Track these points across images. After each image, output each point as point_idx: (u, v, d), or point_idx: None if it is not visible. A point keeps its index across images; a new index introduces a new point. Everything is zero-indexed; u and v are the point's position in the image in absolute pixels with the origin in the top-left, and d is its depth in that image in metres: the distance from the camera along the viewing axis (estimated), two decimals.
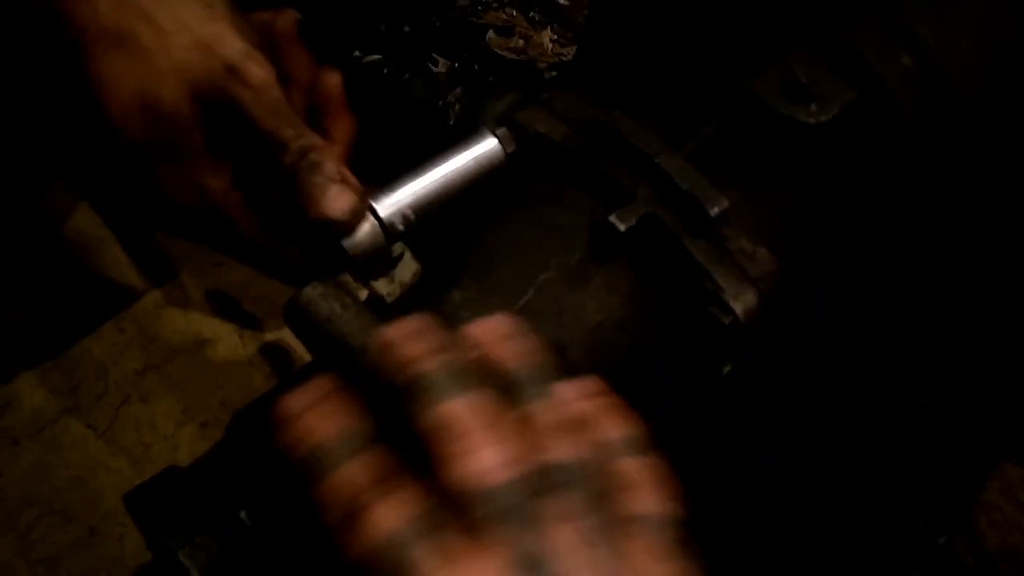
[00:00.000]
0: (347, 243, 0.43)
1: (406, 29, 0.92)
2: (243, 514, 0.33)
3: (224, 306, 0.63)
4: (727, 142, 0.45)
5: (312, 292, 0.40)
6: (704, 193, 0.41)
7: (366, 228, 0.43)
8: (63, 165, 0.64)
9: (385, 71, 0.89)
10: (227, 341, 0.62)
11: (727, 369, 0.42)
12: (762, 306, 0.40)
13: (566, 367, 0.40)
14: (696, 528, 0.49)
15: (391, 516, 0.28)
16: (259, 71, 0.42)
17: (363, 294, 0.48)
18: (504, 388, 0.31)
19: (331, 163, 0.42)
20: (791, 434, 0.51)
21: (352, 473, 0.29)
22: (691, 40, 0.53)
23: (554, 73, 0.88)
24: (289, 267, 0.50)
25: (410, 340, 0.31)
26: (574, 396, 0.32)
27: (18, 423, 0.58)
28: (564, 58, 0.90)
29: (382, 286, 0.51)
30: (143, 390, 0.59)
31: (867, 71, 0.46)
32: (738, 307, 0.40)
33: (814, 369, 0.51)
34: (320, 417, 0.30)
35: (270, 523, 0.34)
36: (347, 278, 0.47)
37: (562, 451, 0.29)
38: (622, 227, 0.40)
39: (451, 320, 0.41)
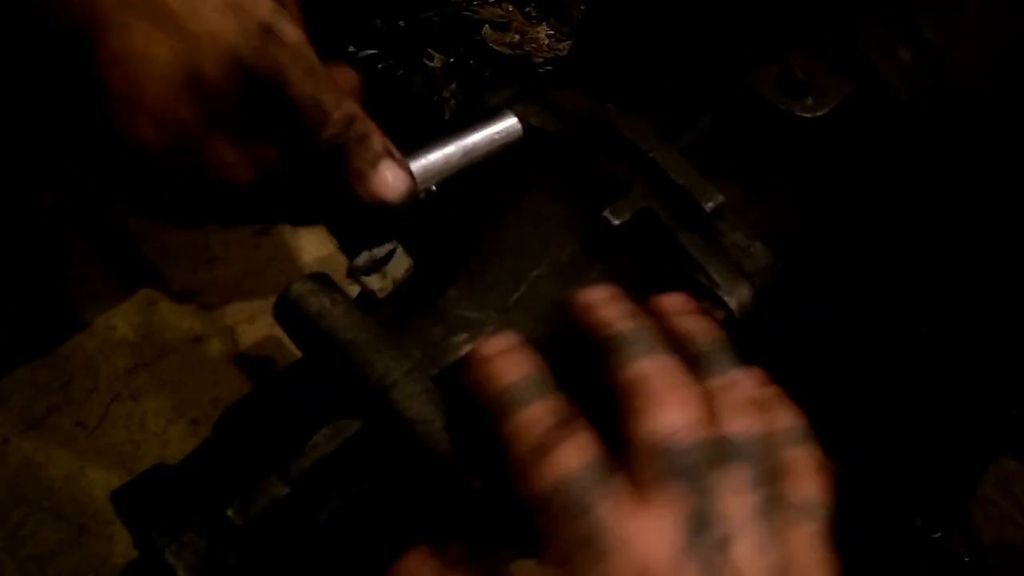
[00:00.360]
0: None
1: (402, 24, 0.92)
2: (231, 512, 0.32)
3: (216, 300, 0.63)
4: (724, 137, 0.44)
5: (302, 288, 0.39)
6: (699, 188, 0.40)
7: None
8: (60, 166, 0.62)
9: (381, 66, 0.88)
10: (218, 338, 0.61)
11: None
12: (757, 301, 0.40)
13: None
14: None
15: (576, 456, 0.30)
16: (293, 30, 0.38)
17: (354, 290, 0.48)
18: (690, 359, 0.33)
19: (378, 136, 0.40)
20: None
21: (541, 412, 0.31)
22: (689, 37, 0.52)
23: (550, 68, 0.88)
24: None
25: (609, 303, 0.34)
26: (749, 380, 0.34)
27: (8, 420, 0.57)
28: (560, 53, 0.90)
29: (374, 281, 0.51)
30: (134, 387, 0.59)
31: (865, 66, 0.45)
32: (732, 302, 0.39)
33: (813, 368, 0.51)
34: (511, 362, 0.33)
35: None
36: (342, 275, 0.46)
37: (740, 427, 0.32)
38: (616, 221, 0.40)
39: (446, 316, 0.40)
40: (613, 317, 0.33)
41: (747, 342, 0.41)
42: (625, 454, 0.30)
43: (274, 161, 0.41)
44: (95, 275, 0.63)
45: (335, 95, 0.39)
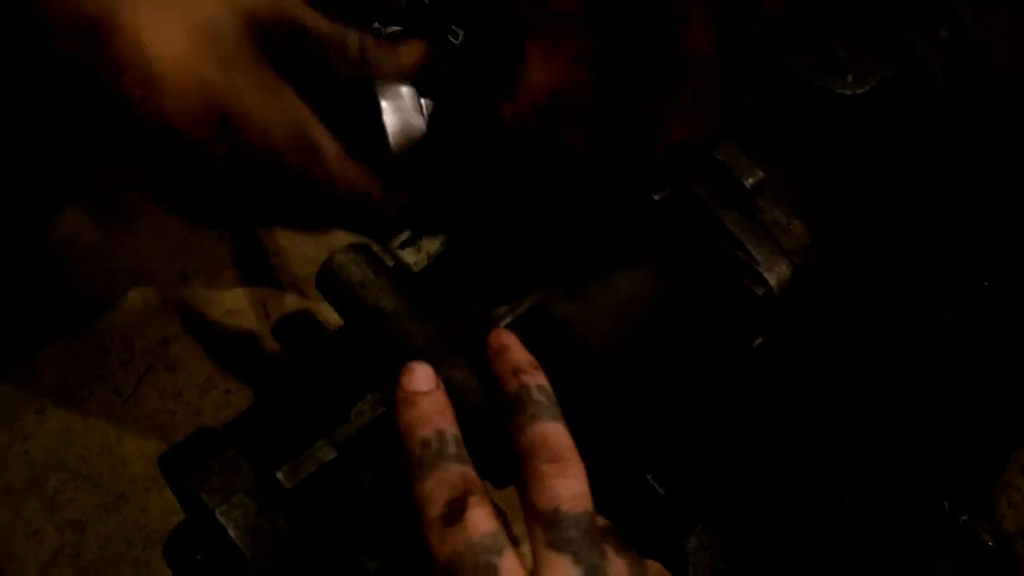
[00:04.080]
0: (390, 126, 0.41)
1: (426, 1, 0.91)
2: (280, 475, 0.33)
3: (248, 273, 0.64)
4: (764, 115, 0.44)
5: (344, 257, 0.40)
6: (738, 164, 0.40)
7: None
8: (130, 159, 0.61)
9: None
10: (250, 312, 0.62)
11: (758, 342, 0.42)
12: (796, 279, 0.40)
13: (598, 339, 0.40)
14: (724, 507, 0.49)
15: (488, 521, 0.31)
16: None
17: (389, 264, 0.48)
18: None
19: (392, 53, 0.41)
20: (819, 415, 0.51)
21: (461, 472, 0.32)
22: None
23: None
24: (367, 213, 0.46)
25: (517, 350, 0.36)
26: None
27: (44, 391, 0.58)
28: None
29: (409, 255, 0.51)
30: (167, 359, 0.60)
31: (904, 46, 0.45)
32: (772, 279, 0.39)
33: (846, 351, 0.51)
34: (436, 408, 0.34)
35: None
36: (377, 247, 0.47)
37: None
38: (656, 197, 0.40)
39: (484, 289, 0.41)
40: (520, 366, 0.35)
41: (785, 321, 0.41)
42: (526, 516, 0.32)
43: (311, 116, 0.42)
44: (127, 248, 0.64)
45: (347, 30, 0.41)
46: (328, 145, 0.43)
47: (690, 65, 0.39)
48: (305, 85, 0.42)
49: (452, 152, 0.43)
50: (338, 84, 0.42)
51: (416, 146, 0.43)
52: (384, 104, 0.44)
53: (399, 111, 0.44)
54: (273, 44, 0.40)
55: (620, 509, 0.37)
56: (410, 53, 0.43)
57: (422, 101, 0.46)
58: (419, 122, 0.43)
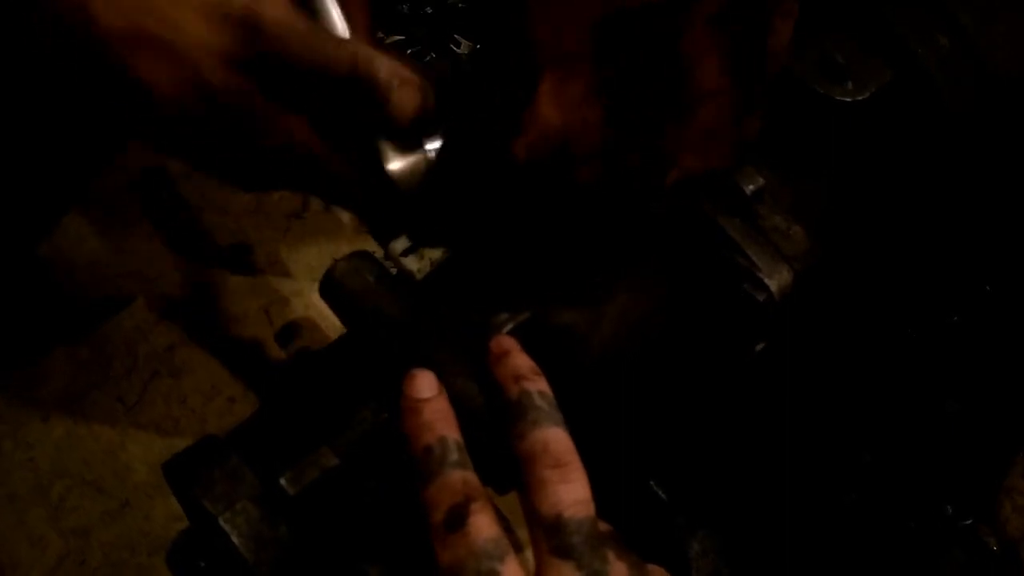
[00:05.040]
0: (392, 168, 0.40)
1: (428, 10, 0.92)
2: (284, 481, 0.33)
3: (251, 280, 0.64)
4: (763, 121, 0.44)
5: (347, 266, 0.40)
6: (740, 171, 0.41)
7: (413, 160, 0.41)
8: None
9: (408, 52, 0.89)
10: (254, 318, 0.62)
11: (760, 347, 0.42)
12: (796, 284, 0.40)
13: (599, 345, 0.41)
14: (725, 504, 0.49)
15: (491, 527, 0.31)
16: (272, 8, 0.38)
17: (392, 272, 0.48)
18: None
19: (386, 63, 0.39)
20: (821, 418, 0.51)
21: (463, 478, 0.32)
22: None
23: None
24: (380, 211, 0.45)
25: (517, 355, 0.36)
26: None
27: (49, 397, 0.58)
28: None
29: (411, 262, 0.51)
30: (172, 366, 0.60)
31: (904, 51, 0.45)
32: (773, 284, 0.40)
33: (848, 354, 0.51)
34: (439, 415, 0.34)
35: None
36: (380, 255, 0.47)
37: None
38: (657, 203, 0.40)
39: (486, 296, 0.41)
40: (522, 372, 0.35)
41: (786, 326, 0.41)
42: (528, 522, 0.33)
43: (309, 133, 0.40)
44: (132, 255, 0.64)
45: (334, 42, 0.39)
46: (335, 161, 0.42)
47: (702, 99, 0.39)
48: (299, 102, 0.42)
49: (462, 182, 0.43)
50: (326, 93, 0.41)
51: (421, 179, 0.43)
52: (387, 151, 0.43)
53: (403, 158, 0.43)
54: (255, 71, 0.39)
55: (623, 514, 0.37)
56: (406, 102, 0.41)
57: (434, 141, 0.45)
58: (422, 157, 0.42)
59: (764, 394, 0.47)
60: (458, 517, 0.31)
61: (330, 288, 0.39)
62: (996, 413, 0.57)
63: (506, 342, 0.37)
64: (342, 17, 0.41)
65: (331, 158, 0.41)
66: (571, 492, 0.32)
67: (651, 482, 0.48)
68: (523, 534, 0.33)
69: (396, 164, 0.40)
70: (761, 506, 0.49)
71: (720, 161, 0.40)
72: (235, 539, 0.32)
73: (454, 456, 0.33)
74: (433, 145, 0.41)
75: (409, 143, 0.41)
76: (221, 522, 0.33)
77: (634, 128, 0.38)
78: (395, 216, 0.46)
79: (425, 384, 0.35)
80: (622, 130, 0.38)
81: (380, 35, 0.92)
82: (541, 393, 0.34)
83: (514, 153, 0.39)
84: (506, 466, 0.34)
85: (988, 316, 0.56)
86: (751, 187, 0.40)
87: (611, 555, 0.32)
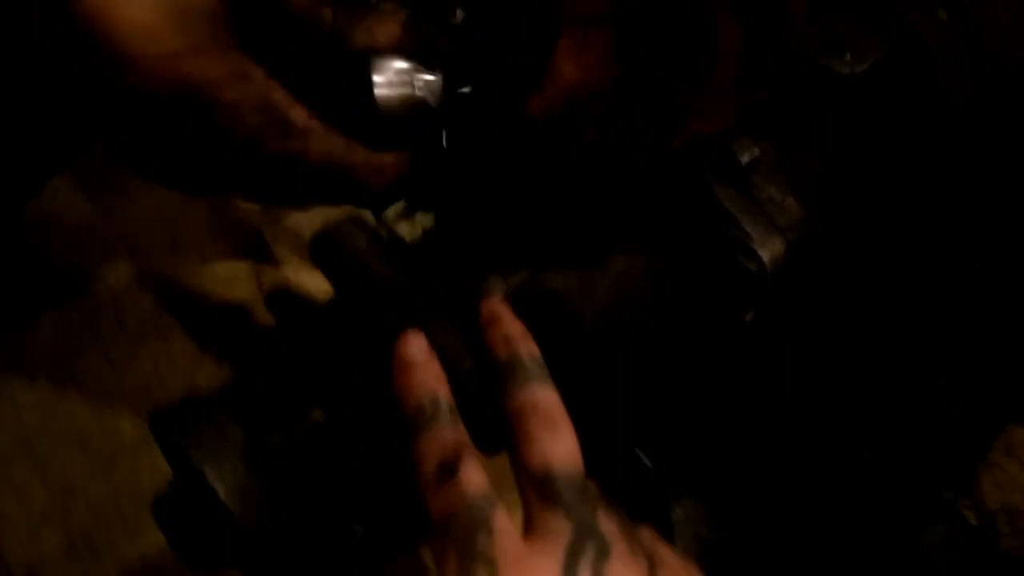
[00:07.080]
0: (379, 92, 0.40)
1: None
2: (272, 437, 0.33)
3: (240, 243, 0.63)
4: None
5: (339, 227, 0.40)
6: (735, 140, 0.40)
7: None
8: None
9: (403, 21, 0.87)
10: (243, 281, 0.62)
11: (750, 316, 0.42)
12: (789, 255, 0.40)
13: (592, 313, 0.41)
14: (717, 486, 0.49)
15: (481, 478, 0.32)
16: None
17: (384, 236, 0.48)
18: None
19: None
20: (811, 390, 0.52)
21: (454, 432, 0.33)
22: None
23: None
24: (355, 187, 0.45)
25: (510, 320, 0.36)
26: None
27: (37, 358, 0.58)
28: None
29: (403, 228, 0.51)
30: (161, 328, 0.59)
31: (902, 25, 0.45)
32: (765, 255, 0.40)
33: (838, 331, 0.51)
34: (431, 375, 0.34)
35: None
36: (372, 219, 0.46)
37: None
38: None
39: (477, 263, 0.41)
40: (512, 335, 0.36)
41: (778, 299, 0.42)
42: (517, 478, 0.33)
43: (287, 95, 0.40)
44: (120, 216, 0.64)
45: (322, 5, 0.39)
46: (306, 124, 0.41)
47: (718, 60, 0.39)
48: (282, 63, 0.41)
49: (465, 139, 0.43)
50: (327, 59, 0.42)
51: (408, 116, 0.43)
52: (376, 78, 0.44)
53: (390, 84, 0.44)
54: (245, 22, 0.38)
55: (608, 480, 0.38)
56: (385, 31, 0.42)
57: (424, 76, 0.45)
58: (410, 92, 0.43)
59: (755, 365, 0.47)
60: (449, 468, 0.31)
61: (320, 250, 0.39)
62: (984, 390, 0.58)
63: (497, 307, 0.37)
64: None
65: (307, 120, 0.41)
66: (560, 446, 0.32)
67: (637, 449, 0.48)
68: (510, 497, 0.33)
69: (383, 91, 0.40)
70: (744, 475, 0.50)
71: (722, 123, 0.40)
72: (222, 493, 0.32)
73: (445, 413, 0.33)
74: (422, 78, 0.42)
75: (399, 78, 0.41)
76: (208, 477, 0.33)
77: (647, 89, 0.39)
78: (383, 143, 0.45)
79: (416, 345, 0.35)
80: (634, 91, 0.38)
81: (373, 2, 0.91)
82: (531, 354, 0.35)
83: (530, 111, 0.39)
84: (496, 427, 0.34)
85: (978, 293, 0.57)
86: (747, 157, 0.40)
87: (600, 507, 0.32)
